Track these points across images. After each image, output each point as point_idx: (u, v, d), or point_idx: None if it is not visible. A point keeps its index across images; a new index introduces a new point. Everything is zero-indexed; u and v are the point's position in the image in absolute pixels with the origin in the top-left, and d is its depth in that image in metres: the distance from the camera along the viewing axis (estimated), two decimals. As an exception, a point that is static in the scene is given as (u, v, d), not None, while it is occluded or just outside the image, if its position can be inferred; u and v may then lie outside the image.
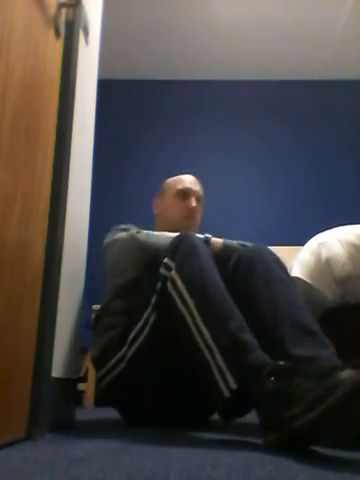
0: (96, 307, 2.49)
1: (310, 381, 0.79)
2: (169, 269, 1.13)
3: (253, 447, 0.85)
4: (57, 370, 1.14)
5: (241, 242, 1.40)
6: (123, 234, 1.43)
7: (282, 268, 1.21)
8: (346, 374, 0.72)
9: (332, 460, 0.76)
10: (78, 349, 1.41)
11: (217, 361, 0.95)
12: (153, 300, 1.19)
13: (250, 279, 1.17)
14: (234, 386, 0.91)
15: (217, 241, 1.39)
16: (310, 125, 3.94)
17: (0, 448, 0.80)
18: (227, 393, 0.92)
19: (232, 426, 1.37)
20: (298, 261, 1.78)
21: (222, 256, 1.29)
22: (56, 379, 1.12)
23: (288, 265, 1.91)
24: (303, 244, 1.84)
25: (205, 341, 0.98)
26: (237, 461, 0.70)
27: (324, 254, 1.69)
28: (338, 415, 0.72)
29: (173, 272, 1.11)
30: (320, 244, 1.73)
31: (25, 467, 0.65)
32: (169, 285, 1.10)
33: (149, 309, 1.20)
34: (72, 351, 1.33)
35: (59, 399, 1.15)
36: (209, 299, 1.03)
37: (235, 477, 0.59)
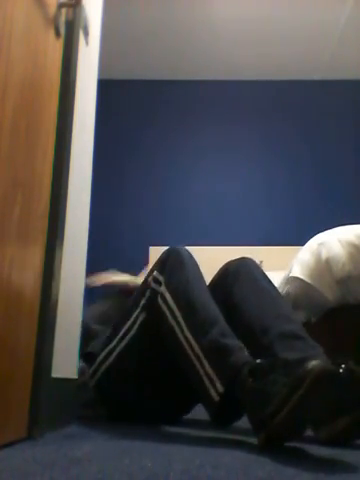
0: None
1: (285, 377, 0.80)
2: (159, 283, 1.18)
3: (253, 447, 0.85)
4: (57, 370, 1.14)
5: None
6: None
7: (267, 280, 1.24)
8: (312, 363, 0.74)
9: (331, 460, 0.77)
10: (78, 349, 1.41)
11: (205, 368, 0.99)
12: (142, 302, 1.24)
13: (237, 290, 1.21)
14: (221, 389, 0.94)
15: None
16: (310, 125, 3.94)
17: (0, 448, 0.80)
18: (216, 397, 0.94)
19: (232, 426, 1.37)
20: (298, 261, 1.78)
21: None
22: (56, 379, 1.12)
23: (288, 265, 1.92)
24: (303, 244, 1.84)
25: (193, 350, 1.02)
26: (237, 461, 0.70)
27: (324, 254, 1.69)
28: (311, 402, 0.74)
29: (162, 287, 1.16)
30: (320, 244, 1.74)
31: (25, 467, 0.65)
32: (160, 300, 1.15)
33: (138, 310, 1.25)
34: (72, 351, 1.33)
35: (59, 399, 1.15)
36: (194, 309, 1.07)
37: (235, 477, 0.59)
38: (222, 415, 0.97)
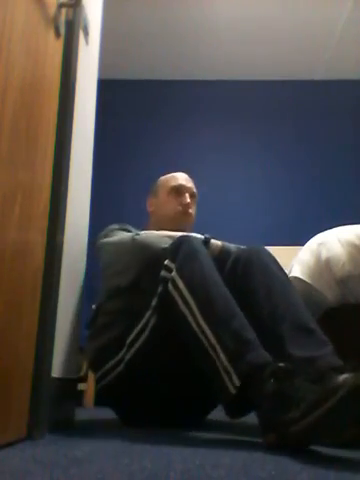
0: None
1: (309, 383, 0.80)
2: (170, 270, 1.14)
3: (253, 447, 0.85)
4: (57, 370, 1.14)
5: (239, 246, 1.41)
6: (122, 235, 1.42)
7: (279, 267, 1.22)
8: (344, 378, 0.72)
9: (332, 460, 0.77)
10: (78, 349, 1.41)
11: (221, 360, 0.96)
12: (154, 303, 1.19)
13: (248, 278, 1.18)
14: (238, 383, 0.92)
15: (216, 243, 1.39)
16: (310, 125, 3.94)
17: (0, 448, 0.80)
18: (233, 390, 0.93)
19: (232, 426, 1.37)
20: (298, 261, 1.78)
21: (220, 258, 1.29)
22: (56, 379, 1.12)
23: (288, 265, 1.92)
24: (303, 244, 1.84)
25: (208, 340, 0.99)
26: (237, 461, 0.70)
27: (324, 254, 1.69)
28: (336, 418, 0.73)
29: (174, 273, 1.11)
30: (320, 244, 1.73)
31: (25, 467, 0.65)
32: (170, 286, 1.11)
33: (149, 311, 1.20)
34: (72, 351, 1.32)
35: (59, 399, 1.15)
36: (211, 299, 1.04)
37: (235, 477, 0.59)
38: (236, 406, 0.96)
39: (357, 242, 1.65)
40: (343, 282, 1.66)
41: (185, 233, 1.25)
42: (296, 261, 1.79)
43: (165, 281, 1.14)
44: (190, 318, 1.04)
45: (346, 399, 0.71)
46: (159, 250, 1.27)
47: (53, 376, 1.09)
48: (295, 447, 0.79)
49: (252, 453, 0.79)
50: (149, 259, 1.29)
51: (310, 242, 1.81)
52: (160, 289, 1.16)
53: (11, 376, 0.88)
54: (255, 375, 0.90)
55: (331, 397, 0.72)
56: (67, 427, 1.19)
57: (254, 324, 1.02)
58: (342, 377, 0.73)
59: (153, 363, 1.21)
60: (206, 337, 1.00)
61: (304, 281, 1.71)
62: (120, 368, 1.23)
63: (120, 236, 1.42)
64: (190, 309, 1.04)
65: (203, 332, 1.00)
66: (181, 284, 1.08)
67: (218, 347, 0.97)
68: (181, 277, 1.09)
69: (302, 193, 3.76)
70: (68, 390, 1.28)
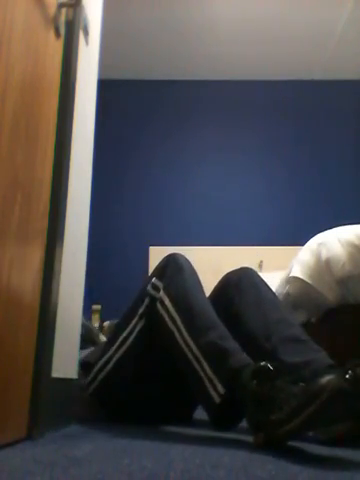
0: (96, 307, 2.49)
1: (291, 384, 0.82)
2: (158, 289, 1.20)
3: (253, 447, 0.85)
4: (57, 370, 1.14)
5: None
6: None
7: (267, 287, 1.27)
8: (327, 379, 0.74)
9: (332, 460, 0.77)
10: (78, 349, 1.41)
11: (205, 370, 1.00)
12: (140, 310, 1.25)
13: (239, 300, 1.23)
14: (222, 390, 0.95)
15: None
16: (310, 125, 3.94)
17: (0, 448, 0.80)
18: (217, 399, 0.95)
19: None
20: (298, 261, 1.78)
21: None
22: (56, 379, 1.12)
23: (288, 265, 1.92)
24: (303, 244, 1.84)
25: (192, 352, 1.04)
26: (237, 461, 0.70)
27: (324, 254, 1.69)
28: (322, 419, 0.75)
29: (161, 292, 1.18)
30: (320, 244, 1.73)
31: (25, 467, 0.65)
32: (158, 305, 1.17)
33: (136, 318, 1.26)
34: (72, 351, 1.33)
35: (59, 399, 1.15)
36: (193, 313, 1.09)
37: (235, 477, 0.59)
38: (223, 417, 0.98)
39: (357, 242, 1.65)
40: (343, 282, 1.66)
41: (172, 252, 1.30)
42: (296, 261, 1.79)
43: (153, 299, 1.20)
44: (177, 334, 1.09)
45: (329, 401, 0.72)
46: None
47: (53, 376, 1.09)
48: (282, 446, 0.82)
49: (252, 453, 0.79)
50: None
51: (310, 242, 1.81)
52: (147, 301, 1.23)
53: (11, 376, 0.88)
54: (237, 379, 0.93)
55: (315, 400, 0.73)
56: (67, 427, 1.19)
57: (246, 341, 1.07)
58: (324, 379, 0.74)
59: (139, 366, 1.26)
60: (191, 350, 1.04)
61: (304, 281, 1.71)
62: (109, 367, 1.28)
63: None
64: (176, 326, 1.10)
65: (188, 346, 1.05)
66: (167, 302, 1.15)
67: (201, 358, 1.01)
68: (168, 296, 1.16)
69: (302, 193, 3.76)
70: (68, 390, 1.28)
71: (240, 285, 1.25)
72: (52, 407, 1.07)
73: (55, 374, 1.11)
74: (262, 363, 0.90)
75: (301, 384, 0.81)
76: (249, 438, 0.91)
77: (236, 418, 0.98)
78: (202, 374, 1.00)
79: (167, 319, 1.13)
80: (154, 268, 1.28)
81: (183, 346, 1.06)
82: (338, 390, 0.73)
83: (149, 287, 1.23)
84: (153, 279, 1.23)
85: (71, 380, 1.30)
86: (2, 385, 0.84)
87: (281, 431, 0.78)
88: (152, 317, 1.19)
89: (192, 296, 1.13)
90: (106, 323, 2.13)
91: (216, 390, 0.96)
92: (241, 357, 0.98)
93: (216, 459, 0.72)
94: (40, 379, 1.00)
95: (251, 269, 1.32)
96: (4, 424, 0.85)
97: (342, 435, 0.91)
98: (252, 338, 1.12)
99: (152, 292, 1.22)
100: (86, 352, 1.46)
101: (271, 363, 0.90)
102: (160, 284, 1.20)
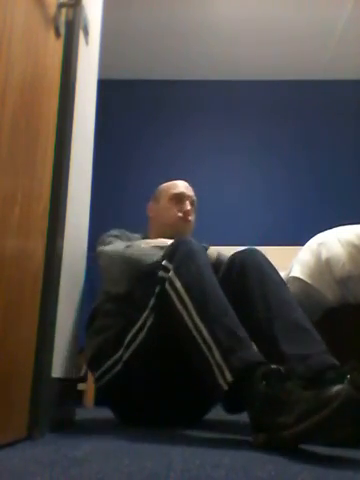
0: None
1: (301, 389, 0.81)
2: (167, 271, 1.16)
3: (253, 447, 0.85)
4: (57, 370, 1.14)
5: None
6: (116, 246, 1.46)
7: (273, 269, 1.25)
8: (339, 389, 0.74)
9: (332, 460, 0.77)
10: (78, 349, 1.41)
11: (215, 356, 0.98)
12: (151, 303, 1.22)
13: (243, 280, 1.21)
14: (230, 378, 0.93)
15: (212, 252, 1.43)
16: (310, 125, 3.94)
17: (0, 448, 0.80)
18: (225, 386, 0.94)
19: (232, 426, 1.37)
20: (298, 261, 1.78)
21: (215, 266, 1.31)
22: (56, 379, 1.12)
23: (288, 265, 1.92)
24: (303, 244, 1.84)
25: (203, 338, 1.01)
26: (237, 461, 0.70)
27: (324, 254, 1.69)
28: (328, 428, 0.75)
29: (171, 273, 1.14)
30: (320, 244, 1.73)
31: (25, 467, 0.65)
32: (167, 285, 1.13)
33: (147, 311, 1.22)
34: (72, 351, 1.33)
35: (59, 399, 1.15)
36: (206, 298, 1.06)
37: (235, 477, 0.59)
38: (232, 402, 0.98)
39: (357, 242, 1.65)
40: (343, 282, 1.66)
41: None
42: (296, 261, 1.79)
43: (162, 281, 1.16)
44: (186, 316, 1.06)
45: (338, 411, 0.72)
46: (148, 264, 1.31)
47: (53, 376, 1.09)
48: (283, 448, 0.81)
49: (252, 453, 0.79)
50: (139, 272, 1.33)
51: (310, 242, 1.81)
52: (158, 289, 1.19)
53: (11, 376, 0.88)
54: (247, 373, 0.92)
55: (324, 408, 0.73)
56: (67, 427, 1.19)
57: (249, 324, 1.05)
58: (336, 388, 0.74)
59: (151, 362, 1.22)
60: (201, 334, 1.02)
61: (304, 281, 1.71)
62: (118, 368, 1.25)
63: (114, 246, 1.46)
64: (186, 307, 1.07)
65: (198, 329, 1.02)
66: (178, 283, 1.11)
67: (212, 343, 0.99)
68: (178, 277, 1.12)
69: (302, 193, 3.76)
70: (68, 390, 1.28)
71: (245, 266, 1.24)
72: (52, 407, 1.07)
73: (55, 374, 1.11)
74: (274, 366, 0.90)
75: (314, 390, 0.79)
76: (249, 438, 0.91)
77: (242, 404, 0.97)
78: (211, 359, 0.98)
79: (176, 300, 1.09)
80: (163, 253, 1.23)
81: (192, 329, 1.03)
82: (350, 400, 0.73)
83: (159, 272, 1.19)
84: (163, 261, 1.19)
85: (71, 380, 1.30)
86: (2, 385, 0.84)
87: (286, 434, 0.77)
88: (162, 304, 1.15)
89: (205, 280, 1.10)
90: None
91: (224, 377, 0.94)
92: (253, 351, 0.97)
93: (216, 459, 0.71)
94: (40, 379, 1.00)
95: (256, 250, 1.30)
96: (4, 424, 0.85)
97: (341, 443, 0.91)
98: (254, 321, 1.11)
99: (162, 274, 1.18)
100: (92, 344, 1.39)
101: (282, 366, 0.89)
102: (170, 265, 1.16)
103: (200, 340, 1.01)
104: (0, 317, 0.83)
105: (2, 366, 0.84)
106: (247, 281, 1.20)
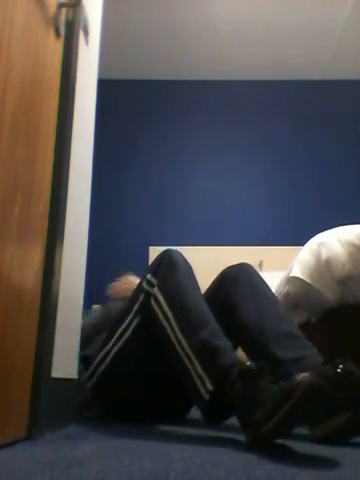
0: (96, 307, 2.49)
1: (273, 384, 0.83)
2: (152, 285, 1.21)
3: (252, 447, 0.85)
4: (57, 370, 1.14)
5: None
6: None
7: (264, 283, 1.28)
8: (301, 378, 0.75)
9: (331, 460, 0.77)
10: (78, 349, 1.41)
11: (196, 367, 1.01)
12: (135, 307, 1.27)
13: (235, 292, 1.24)
14: (211, 388, 0.96)
15: None
16: (310, 125, 3.94)
17: (0, 448, 0.80)
18: (206, 396, 0.97)
19: (232, 425, 1.37)
20: (298, 261, 1.78)
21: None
22: (56, 379, 1.12)
23: (288, 265, 1.92)
24: (303, 244, 1.84)
25: (184, 350, 1.05)
26: (237, 461, 0.70)
27: (324, 254, 1.69)
28: (298, 414, 0.76)
29: (155, 289, 1.19)
30: (320, 244, 1.73)
31: (25, 467, 0.65)
32: (152, 302, 1.18)
33: (131, 314, 1.28)
34: (72, 351, 1.33)
35: (59, 399, 1.15)
36: (185, 310, 1.10)
37: (235, 477, 0.59)
38: (213, 412, 1.00)
39: (357, 242, 1.65)
40: (343, 282, 1.66)
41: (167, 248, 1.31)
42: (296, 261, 1.79)
43: (147, 295, 1.21)
44: (169, 330, 1.10)
45: (302, 399, 0.73)
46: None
47: (53, 376, 1.09)
48: (271, 443, 0.83)
49: (251, 453, 0.79)
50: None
51: (310, 242, 1.81)
52: (142, 297, 1.24)
53: (11, 376, 0.88)
54: (226, 378, 0.94)
55: (289, 399, 0.74)
56: (67, 427, 1.19)
57: (240, 335, 1.09)
58: (299, 377, 0.75)
59: (137, 359, 1.27)
60: (182, 348, 1.05)
61: (304, 281, 1.71)
62: (108, 360, 1.30)
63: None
64: (169, 322, 1.11)
65: (180, 343, 1.06)
66: (161, 299, 1.16)
67: (193, 357, 1.02)
68: (161, 292, 1.17)
69: (302, 193, 3.76)
70: (68, 390, 1.28)
71: (237, 279, 1.26)
72: (52, 407, 1.07)
73: (55, 374, 1.11)
74: (247, 363, 0.92)
75: (280, 383, 0.82)
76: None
77: (226, 413, 1.00)
78: (192, 371, 1.01)
79: (160, 315, 1.14)
80: (149, 264, 1.29)
81: (175, 343, 1.07)
82: (311, 387, 0.73)
83: (144, 283, 1.24)
84: (148, 275, 1.24)
85: (71, 380, 1.30)
86: (2, 385, 0.84)
87: (262, 431, 0.79)
88: (147, 314, 1.20)
89: (185, 293, 1.13)
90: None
91: (205, 387, 0.97)
92: (231, 356, 0.99)
93: (216, 459, 0.72)
94: (40, 379, 1.00)
95: (249, 264, 1.33)
96: (4, 424, 0.85)
97: (338, 433, 0.92)
98: (246, 331, 1.13)
99: (146, 288, 1.23)
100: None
101: (256, 363, 0.91)
102: (154, 280, 1.21)
103: (182, 353, 1.05)
104: (0, 317, 0.83)
105: (2, 366, 0.84)
106: (239, 293, 1.23)
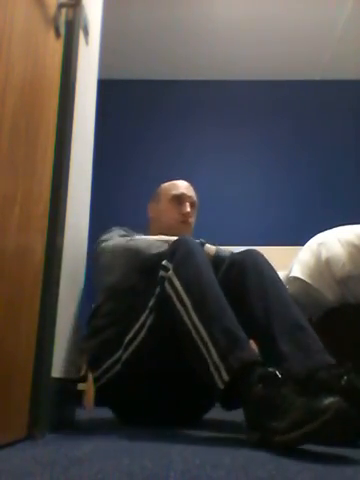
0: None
1: (296, 395, 0.83)
2: (167, 270, 1.17)
3: (253, 447, 0.85)
4: (57, 370, 1.14)
5: (232, 251, 1.43)
6: (118, 239, 1.45)
7: (272, 270, 1.26)
8: (331, 402, 0.75)
9: (332, 460, 0.77)
10: (78, 349, 1.41)
11: (212, 356, 0.99)
12: (151, 303, 1.22)
13: (243, 280, 1.23)
14: (227, 378, 0.95)
15: (210, 248, 1.42)
16: (310, 125, 3.94)
17: (0, 448, 0.80)
18: (221, 385, 0.95)
19: (232, 425, 1.37)
20: (298, 261, 1.78)
21: (214, 262, 1.31)
22: (56, 379, 1.12)
23: (288, 265, 1.92)
24: (303, 244, 1.84)
25: (201, 337, 1.02)
26: (237, 461, 0.70)
27: (324, 254, 1.69)
28: (320, 437, 0.77)
29: (171, 272, 1.15)
30: (320, 244, 1.73)
31: (25, 467, 0.65)
32: (167, 284, 1.14)
33: (146, 312, 1.23)
34: (72, 351, 1.32)
35: (59, 399, 1.15)
36: (204, 297, 1.07)
37: (235, 477, 0.59)
38: (228, 400, 0.99)
39: (357, 242, 1.65)
40: (343, 282, 1.66)
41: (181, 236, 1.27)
42: (296, 261, 1.79)
43: (162, 281, 1.17)
44: (185, 316, 1.07)
45: (329, 424, 0.74)
46: (151, 255, 1.31)
47: (53, 376, 1.09)
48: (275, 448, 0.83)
49: (252, 453, 0.79)
50: (142, 263, 1.34)
51: (310, 242, 1.81)
52: (158, 290, 1.19)
53: (11, 376, 0.88)
54: (243, 373, 0.93)
55: (314, 420, 0.75)
56: (67, 427, 1.19)
57: (248, 323, 1.06)
58: (328, 400, 0.75)
59: (150, 362, 1.23)
60: (199, 334, 1.02)
61: (304, 281, 1.71)
62: (118, 367, 1.26)
63: (116, 240, 1.45)
64: (185, 307, 1.07)
65: (196, 329, 1.03)
66: (177, 283, 1.12)
67: (210, 343, 1.00)
68: (177, 276, 1.13)
69: (302, 193, 3.76)
70: (68, 390, 1.28)
71: (244, 267, 1.25)
72: (52, 407, 1.07)
73: (55, 374, 1.11)
74: (270, 369, 0.91)
75: (306, 399, 0.81)
76: (249, 438, 0.91)
77: (239, 401, 0.98)
78: (208, 359, 0.99)
79: (175, 299, 1.10)
80: (164, 252, 1.25)
81: (191, 328, 1.04)
82: (340, 413, 0.74)
83: (160, 270, 1.19)
84: (163, 262, 1.20)
85: (71, 380, 1.30)
86: (2, 385, 0.84)
87: (277, 439, 0.79)
88: (162, 303, 1.16)
89: (204, 279, 1.10)
90: None
91: (221, 376, 0.96)
92: (251, 352, 0.98)
93: (216, 459, 0.71)
94: (40, 379, 1.00)
95: (255, 251, 1.32)
96: (4, 424, 0.85)
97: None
98: (253, 321, 1.12)
99: (161, 273, 1.18)
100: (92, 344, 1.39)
101: (278, 369, 0.90)
102: (170, 265, 1.17)
103: (198, 339, 1.02)
104: (0, 317, 0.83)
105: (2, 366, 0.84)
106: (246, 281, 1.22)
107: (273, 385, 0.87)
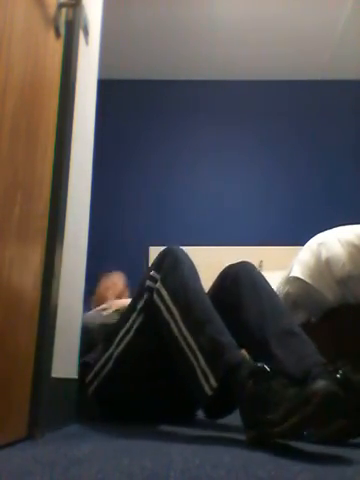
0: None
1: (286, 388, 0.84)
2: (155, 281, 1.22)
3: (253, 447, 0.85)
4: (57, 370, 1.14)
5: None
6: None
7: (265, 280, 1.28)
8: (321, 384, 0.77)
9: (332, 460, 0.77)
10: (78, 349, 1.41)
11: (200, 363, 1.01)
12: (139, 305, 1.27)
13: (237, 288, 1.25)
14: (215, 384, 0.97)
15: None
16: (310, 125, 3.94)
17: (0, 448, 0.80)
18: (209, 391, 0.97)
19: (232, 425, 1.37)
20: (298, 261, 1.78)
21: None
22: (56, 379, 1.12)
23: (288, 265, 1.92)
24: (303, 244, 1.84)
25: (189, 345, 1.05)
26: (237, 460, 0.70)
27: (324, 254, 1.69)
28: (311, 423, 0.79)
29: (158, 284, 1.19)
30: (320, 244, 1.73)
31: (25, 467, 0.65)
32: (155, 296, 1.18)
33: (135, 313, 1.27)
34: (72, 351, 1.33)
35: (59, 399, 1.15)
36: (191, 306, 1.10)
37: (235, 477, 0.59)
38: (214, 409, 1.01)
39: (357, 242, 1.65)
40: (343, 282, 1.66)
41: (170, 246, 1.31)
42: (296, 261, 1.79)
43: (151, 290, 1.21)
44: (173, 325, 1.10)
45: (322, 405, 0.75)
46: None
47: (53, 376, 1.09)
48: (274, 444, 0.84)
49: (252, 453, 0.79)
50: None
51: (310, 242, 1.81)
52: (146, 296, 1.24)
53: (11, 376, 0.88)
54: (232, 375, 0.95)
55: (306, 405, 0.76)
56: (67, 427, 1.19)
57: (241, 330, 1.10)
58: (319, 383, 0.77)
59: (141, 360, 1.26)
60: (187, 343, 1.05)
61: (304, 281, 1.71)
62: (110, 365, 1.29)
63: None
64: (173, 316, 1.11)
65: (184, 338, 1.06)
66: (164, 293, 1.16)
67: (197, 350, 1.03)
68: (165, 287, 1.17)
69: (302, 193, 3.76)
70: (68, 390, 1.28)
71: (238, 277, 1.27)
72: (52, 407, 1.07)
73: (55, 374, 1.11)
74: (259, 364, 0.92)
75: (296, 388, 0.82)
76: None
77: (226, 409, 1.01)
78: (196, 365, 1.01)
79: (163, 309, 1.14)
80: (152, 262, 1.29)
81: (178, 337, 1.07)
82: (331, 395, 0.76)
83: (147, 280, 1.24)
84: (151, 272, 1.25)
85: (71, 380, 1.30)
86: (2, 385, 0.84)
87: (274, 431, 0.80)
88: (150, 310, 1.20)
89: (190, 288, 1.14)
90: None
91: (209, 383, 0.97)
92: (237, 353, 0.99)
93: (216, 459, 0.71)
94: (40, 379, 1.00)
95: (249, 263, 1.33)
96: (4, 424, 0.85)
97: (334, 437, 0.92)
98: (246, 328, 1.14)
99: (150, 283, 1.23)
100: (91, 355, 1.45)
101: (268, 364, 0.91)
102: (157, 276, 1.21)
103: (186, 348, 1.05)
104: (0, 317, 0.83)
105: (2, 366, 0.84)
106: (240, 290, 1.24)
107: (263, 380, 0.88)
